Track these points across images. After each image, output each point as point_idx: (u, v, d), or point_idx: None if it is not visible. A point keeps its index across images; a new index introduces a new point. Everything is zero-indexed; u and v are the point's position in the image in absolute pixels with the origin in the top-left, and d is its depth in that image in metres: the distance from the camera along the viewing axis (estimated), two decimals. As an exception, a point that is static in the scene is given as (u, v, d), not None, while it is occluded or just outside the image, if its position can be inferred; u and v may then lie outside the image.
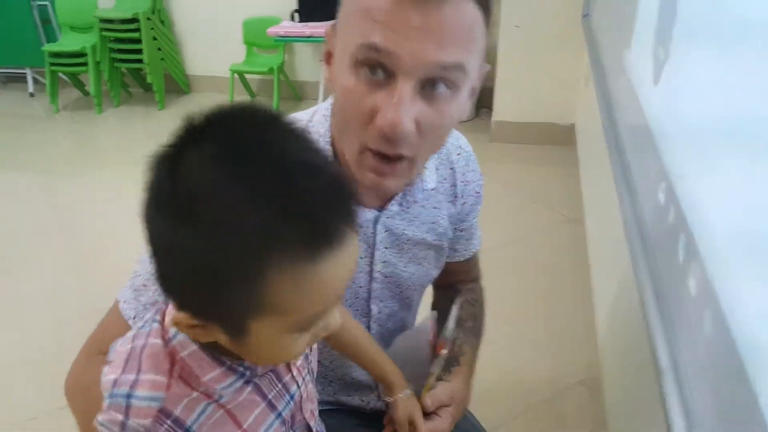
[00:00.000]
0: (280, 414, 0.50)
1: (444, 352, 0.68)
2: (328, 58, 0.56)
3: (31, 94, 3.79)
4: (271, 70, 3.23)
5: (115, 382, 0.44)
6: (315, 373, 0.58)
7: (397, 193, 0.65)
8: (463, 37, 0.49)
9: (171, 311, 0.44)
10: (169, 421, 0.43)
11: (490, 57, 2.98)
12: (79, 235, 2.26)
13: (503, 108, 2.89)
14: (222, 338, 0.41)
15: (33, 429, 1.33)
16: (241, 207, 0.35)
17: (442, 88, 0.50)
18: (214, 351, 0.44)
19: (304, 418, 0.54)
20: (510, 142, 2.89)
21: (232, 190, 0.35)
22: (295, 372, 0.52)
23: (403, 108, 0.48)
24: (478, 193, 0.75)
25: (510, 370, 1.53)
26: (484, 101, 3.20)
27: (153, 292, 0.59)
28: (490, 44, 3.23)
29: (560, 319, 1.72)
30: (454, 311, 0.72)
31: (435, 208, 0.69)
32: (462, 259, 0.79)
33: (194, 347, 0.44)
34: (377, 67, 0.49)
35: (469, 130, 3.13)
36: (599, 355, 1.47)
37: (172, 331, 0.44)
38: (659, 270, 0.68)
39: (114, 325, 0.60)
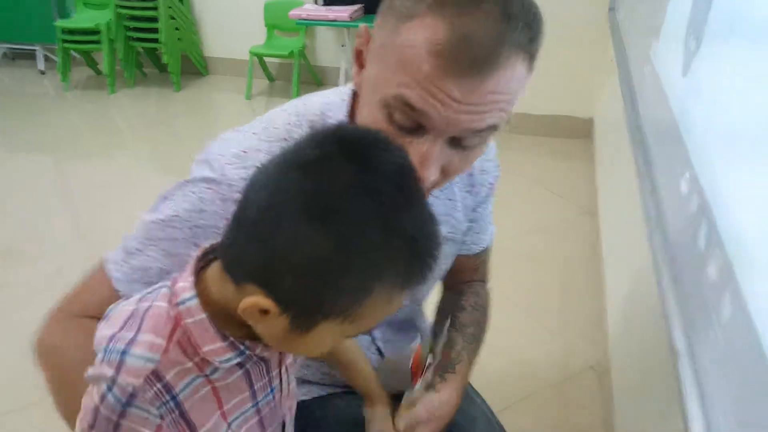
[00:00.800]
0: (257, 404, 0.51)
1: (420, 381, 0.67)
2: (359, 57, 0.54)
3: (42, 72, 3.73)
4: (291, 54, 3.22)
5: (111, 338, 0.43)
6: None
7: None
8: (505, 102, 0.48)
9: (186, 278, 0.45)
10: (159, 385, 0.43)
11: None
12: (89, 218, 2.26)
13: (524, 99, 2.86)
14: (280, 328, 0.42)
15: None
16: (374, 228, 0.38)
17: (474, 141, 0.50)
18: (219, 325, 0.44)
19: (282, 414, 0.55)
20: (529, 134, 2.87)
21: (371, 209, 0.38)
22: (283, 369, 0.52)
23: (429, 164, 0.49)
24: (492, 184, 0.73)
25: (521, 354, 1.55)
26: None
27: (148, 256, 0.58)
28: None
29: (572, 307, 1.73)
30: (445, 331, 0.71)
31: (450, 199, 0.69)
32: (470, 253, 0.77)
33: (203, 316, 0.44)
34: (407, 119, 0.48)
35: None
36: (609, 342, 1.48)
37: (185, 295, 0.44)
38: (678, 257, 0.68)
39: (98, 285, 0.60)
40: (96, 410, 0.42)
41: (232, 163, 0.56)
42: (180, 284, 0.45)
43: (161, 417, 0.43)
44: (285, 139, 0.58)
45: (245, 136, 0.59)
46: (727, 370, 0.49)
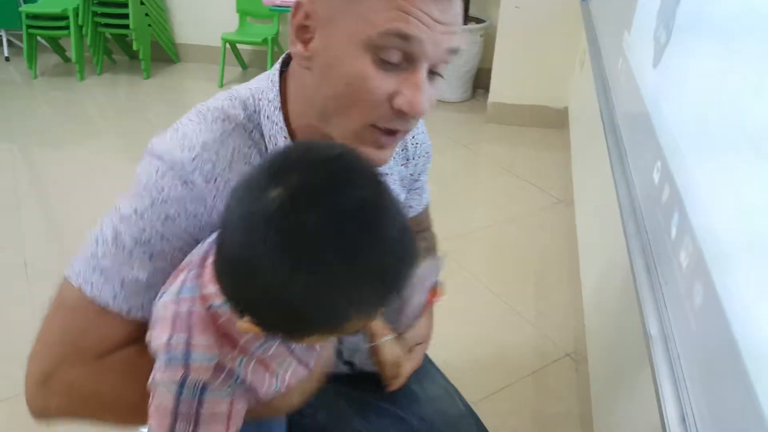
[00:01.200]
0: (293, 350, 0.56)
1: (435, 300, 0.73)
2: (301, 31, 0.54)
3: (7, 59, 3.61)
4: (265, 41, 3.18)
5: (168, 344, 0.48)
6: None
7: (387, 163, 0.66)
8: (460, 24, 0.55)
9: (209, 279, 0.49)
10: (223, 374, 0.49)
11: (490, 38, 2.98)
12: (57, 208, 2.21)
13: (500, 89, 2.89)
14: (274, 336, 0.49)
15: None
16: (343, 272, 0.41)
17: (442, 70, 0.56)
18: None
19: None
20: (505, 123, 2.90)
21: (337, 257, 0.41)
22: None
23: (423, 91, 0.53)
24: (428, 153, 0.79)
25: (498, 344, 1.57)
26: (480, 82, 3.20)
27: (131, 268, 0.55)
28: (490, 25, 3.21)
29: (549, 296, 1.76)
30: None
31: (384, 174, 0.72)
32: (415, 214, 0.85)
33: (231, 314, 0.49)
34: (397, 53, 0.51)
35: (465, 110, 3.14)
36: (585, 329, 1.51)
37: (215, 302, 0.49)
38: (651, 245, 0.70)
39: (93, 319, 0.56)
40: (174, 412, 0.48)
41: (177, 147, 0.56)
42: (208, 289, 0.49)
43: (232, 394, 0.50)
44: (223, 120, 0.58)
45: (181, 124, 0.59)
46: (699, 355, 0.51)
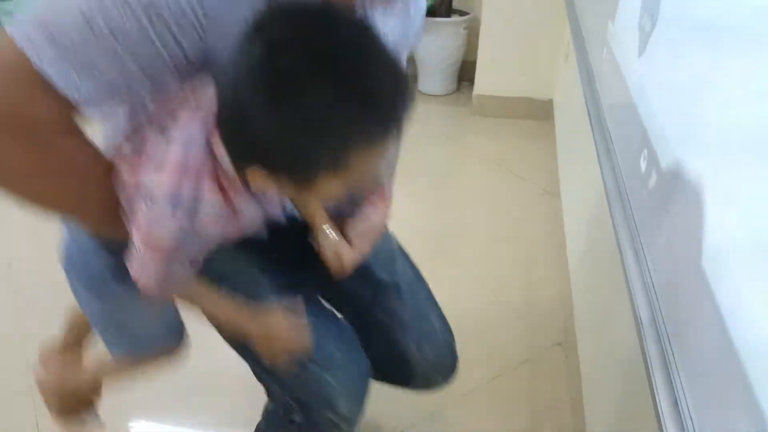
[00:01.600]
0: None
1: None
2: None
3: None
4: None
5: (175, 194, 0.52)
6: None
7: None
8: None
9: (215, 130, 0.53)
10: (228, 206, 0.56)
11: (474, 30, 2.98)
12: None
13: (484, 82, 2.89)
14: (287, 185, 0.52)
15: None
16: (328, 96, 0.44)
17: None
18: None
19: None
20: (490, 116, 2.91)
21: (327, 83, 0.44)
22: None
23: None
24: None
25: (488, 335, 1.58)
26: (465, 74, 3.20)
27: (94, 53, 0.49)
28: (474, 17, 3.19)
29: (537, 287, 1.78)
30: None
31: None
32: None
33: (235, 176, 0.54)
34: None
35: (450, 103, 3.14)
36: (575, 318, 1.53)
37: (225, 159, 0.53)
38: (639, 232, 0.71)
39: (33, 89, 0.49)
40: (177, 235, 0.54)
41: None
42: (215, 138, 0.52)
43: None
44: None
45: None
46: (691, 340, 0.52)
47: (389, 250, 0.95)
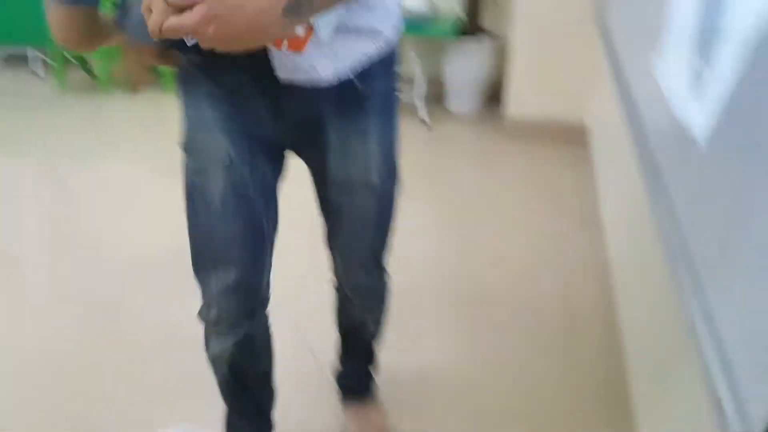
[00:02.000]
0: None
1: None
2: None
3: (36, 73, 3.68)
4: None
5: None
6: None
7: None
8: None
9: None
10: None
11: (501, 51, 2.99)
12: (86, 225, 2.21)
13: (515, 104, 2.91)
14: None
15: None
16: None
17: None
18: None
19: None
20: (520, 138, 2.90)
21: None
22: None
23: None
24: None
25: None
26: (493, 95, 3.22)
27: None
28: (501, 38, 3.15)
29: (577, 325, 1.74)
30: None
31: None
32: None
33: None
34: None
35: (478, 123, 3.15)
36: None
37: None
38: (694, 257, 0.70)
39: None
40: None
41: None
42: None
43: None
44: None
45: None
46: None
47: (364, 155, 0.98)
